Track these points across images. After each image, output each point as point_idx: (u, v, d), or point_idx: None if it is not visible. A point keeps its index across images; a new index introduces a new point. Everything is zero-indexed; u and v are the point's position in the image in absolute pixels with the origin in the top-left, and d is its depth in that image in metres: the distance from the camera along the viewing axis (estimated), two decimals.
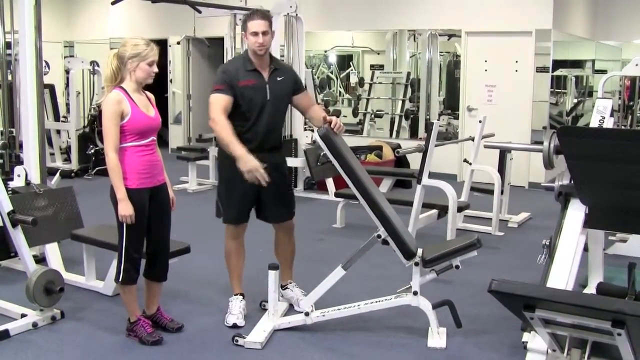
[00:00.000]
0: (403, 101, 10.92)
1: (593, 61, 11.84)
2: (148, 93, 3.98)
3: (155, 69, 3.86)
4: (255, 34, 4.11)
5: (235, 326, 4.23)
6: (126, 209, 3.73)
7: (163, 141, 13.10)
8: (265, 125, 4.21)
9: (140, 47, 3.77)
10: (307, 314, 4.14)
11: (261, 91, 4.20)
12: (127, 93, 3.79)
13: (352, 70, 11.84)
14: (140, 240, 3.94)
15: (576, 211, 3.77)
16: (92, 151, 9.87)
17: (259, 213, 4.44)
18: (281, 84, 4.28)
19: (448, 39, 10.59)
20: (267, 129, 4.23)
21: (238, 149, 3.95)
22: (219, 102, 4.09)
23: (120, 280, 3.94)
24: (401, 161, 9.20)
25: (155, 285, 4.17)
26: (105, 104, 3.74)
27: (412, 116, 10.87)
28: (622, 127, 9.74)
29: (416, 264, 3.95)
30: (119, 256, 3.92)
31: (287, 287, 4.59)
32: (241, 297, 4.41)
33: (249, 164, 3.90)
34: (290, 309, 4.49)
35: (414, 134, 10.82)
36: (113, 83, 3.83)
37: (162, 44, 13.00)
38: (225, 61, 9.18)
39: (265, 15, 4.21)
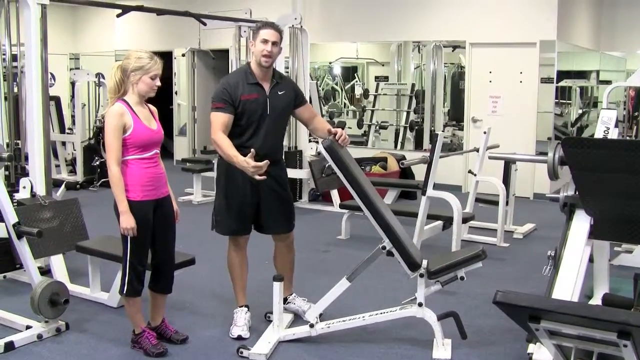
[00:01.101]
0: (408, 112, 10.92)
1: (597, 72, 11.86)
2: (151, 106, 3.98)
3: (158, 83, 3.87)
4: (265, 41, 4.12)
5: (240, 338, 4.23)
6: (128, 221, 3.73)
7: (168, 153, 13.19)
8: (263, 138, 4.20)
9: (144, 60, 3.77)
10: (312, 325, 4.13)
11: (262, 105, 4.20)
12: (129, 106, 3.79)
13: (356, 81, 11.87)
14: (144, 252, 3.94)
15: (581, 222, 3.77)
16: (98, 163, 9.88)
17: (258, 226, 4.40)
18: (282, 98, 4.29)
19: (452, 50, 10.61)
20: (266, 142, 4.21)
21: (240, 160, 3.92)
22: (219, 121, 4.12)
23: (124, 292, 3.94)
24: (406, 172, 9.20)
25: (160, 297, 4.17)
26: (108, 117, 3.75)
27: (416, 127, 10.87)
28: (627, 138, 9.73)
29: (421, 275, 3.94)
30: (122, 268, 3.93)
31: (289, 302, 4.58)
32: (246, 308, 4.40)
33: (255, 170, 3.86)
34: (295, 321, 4.48)
35: (418, 146, 10.82)
36: (116, 95, 3.83)
37: (167, 56, 13.08)
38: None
39: (278, 29, 4.24)
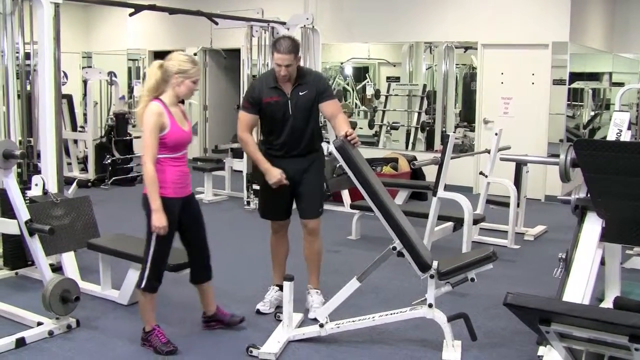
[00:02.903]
0: (419, 113, 10.90)
1: (610, 74, 11.81)
2: (182, 105, 4.06)
3: (196, 87, 4.00)
4: (279, 65, 4.33)
5: (258, 312, 4.59)
6: (160, 219, 3.77)
7: None
8: (289, 137, 4.46)
9: (188, 65, 3.87)
10: (321, 325, 4.13)
11: (283, 107, 4.43)
12: (166, 106, 3.86)
13: (368, 82, 11.85)
14: (167, 250, 3.99)
15: (593, 224, 3.75)
16: (109, 161, 9.92)
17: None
18: (304, 97, 4.45)
19: (464, 52, 10.58)
20: (291, 140, 4.48)
21: (263, 165, 4.43)
22: (244, 121, 4.50)
23: (142, 287, 3.97)
24: (417, 173, 9.19)
25: (206, 286, 4.26)
26: (147, 115, 3.80)
27: (428, 128, 10.86)
28: None
29: (431, 276, 3.94)
30: (144, 263, 3.96)
31: (308, 292, 4.66)
32: (277, 288, 4.65)
33: (272, 179, 4.39)
34: (305, 320, 4.48)
35: (429, 146, 10.80)
36: (153, 94, 3.89)
37: None
38: (241, 73, 9.25)
39: (292, 48, 4.33)
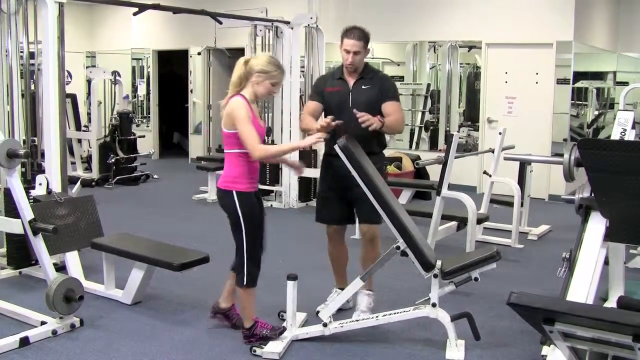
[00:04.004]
0: (423, 113, 10.90)
1: (614, 73, 11.78)
2: (256, 105, 4.14)
3: (276, 91, 4.07)
4: (347, 51, 4.33)
5: (317, 313, 4.36)
6: (308, 140, 4.03)
7: (183, 151, 13.22)
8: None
9: (271, 67, 3.94)
10: (325, 324, 4.13)
11: (343, 98, 4.41)
12: (247, 101, 3.94)
13: None
14: (258, 240, 4.05)
15: (597, 224, 3.74)
16: (113, 160, 9.93)
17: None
18: (366, 92, 4.40)
19: (468, 51, 10.57)
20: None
21: (311, 129, 4.30)
22: (307, 107, 4.60)
23: (244, 284, 4.00)
24: (421, 173, 9.18)
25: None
26: (238, 108, 3.87)
27: (431, 128, 10.85)
28: None
29: (435, 275, 3.93)
30: (240, 260, 3.99)
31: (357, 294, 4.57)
32: (340, 290, 4.52)
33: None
34: (309, 320, 4.48)
35: (433, 146, 10.79)
36: (236, 88, 3.98)
37: (183, 55, 13.12)
38: None
39: (362, 36, 4.36)
